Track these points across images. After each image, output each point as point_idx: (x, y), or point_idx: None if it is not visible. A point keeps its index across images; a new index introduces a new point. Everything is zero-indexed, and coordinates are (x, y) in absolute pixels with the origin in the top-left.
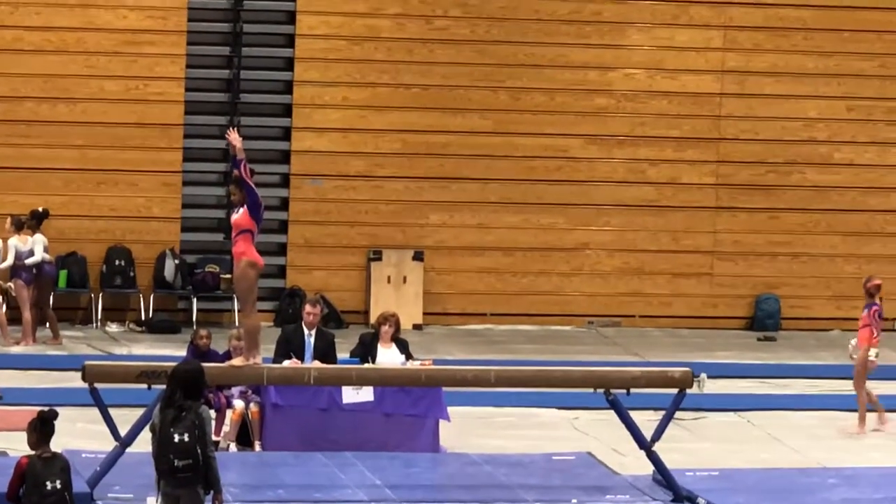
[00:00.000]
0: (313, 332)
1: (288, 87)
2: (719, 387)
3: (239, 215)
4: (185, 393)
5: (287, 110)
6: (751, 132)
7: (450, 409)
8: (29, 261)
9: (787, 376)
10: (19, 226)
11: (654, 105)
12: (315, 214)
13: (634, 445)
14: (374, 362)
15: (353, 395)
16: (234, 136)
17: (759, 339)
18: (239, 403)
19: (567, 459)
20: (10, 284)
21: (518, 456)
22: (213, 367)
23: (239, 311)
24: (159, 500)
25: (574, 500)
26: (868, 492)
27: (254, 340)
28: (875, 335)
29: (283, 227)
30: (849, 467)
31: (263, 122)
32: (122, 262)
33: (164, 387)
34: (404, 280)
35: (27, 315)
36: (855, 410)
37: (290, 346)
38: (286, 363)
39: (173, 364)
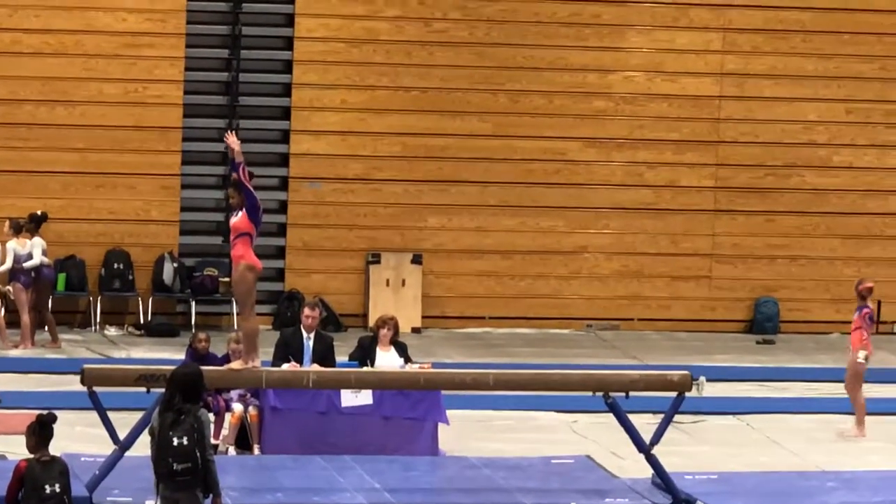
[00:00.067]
0: (312, 335)
1: (287, 90)
2: (718, 390)
3: (238, 218)
4: (183, 396)
5: (286, 113)
6: (750, 135)
7: (448, 413)
8: (27, 264)
9: (786, 379)
10: (18, 229)
11: (654, 108)
12: (314, 217)
13: (633, 449)
14: (372, 365)
15: (351, 398)
16: (232, 140)
17: (757, 343)
18: (238, 407)
19: (566, 463)
20: (9, 288)
21: (517, 459)
22: (211, 370)
23: (237, 314)
24: (158, 503)
25: None
26: (867, 495)
27: (252, 344)
28: (865, 338)
29: (281, 230)
30: (848, 471)
31: (262, 125)
32: (121, 266)
33: (162, 390)
34: (403, 283)
35: (26, 318)
36: (853, 414)
37: (288, 349)
38: (285, 366)
39: (172, 367)
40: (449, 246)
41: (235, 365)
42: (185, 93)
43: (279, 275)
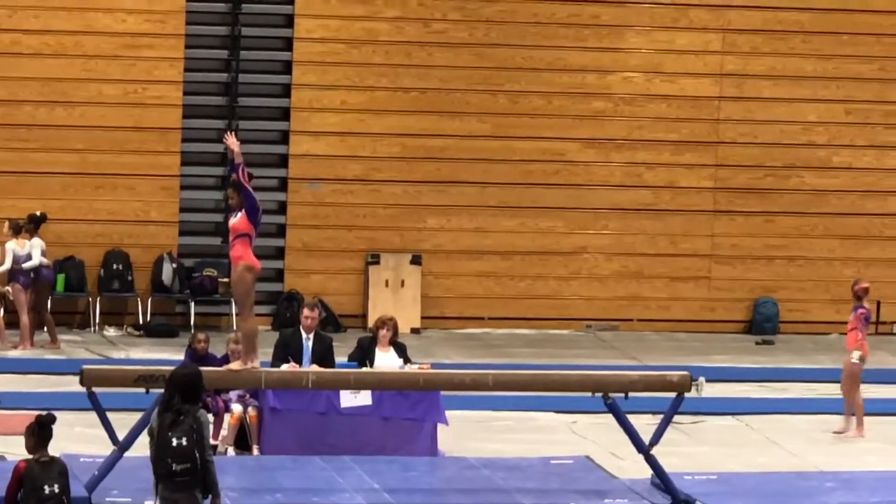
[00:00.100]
0: (311, 335)
1: (286, 91)
2: (717, 390)
3: (237, 219)
4: (183, 397)
5: (285, 114)
6: (749, 135)
7: (448, 413)
8: (27, 265)
9: (785, 380)
10: (17, 230)
11: (653, 108)
12: (313, 218)
13: (632, 449)
14: (372, 366)
15: (351, 398)
16: (231, 140)
17: (757, 343)
18: (237, 407)
19: (565, 463)
20: (8, 288)
21: (516, 460)
22: (211, 370)
23: (237, 314)
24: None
25: None
26: (865, 495)
27: (252, 344)
28: (861, 338)
29: (280, 230)
30: (846, 471)
31: (261, 125)
32: (120, 266)
33: (161, 391)
34: (402, 284)
35: (25, 319)
36: (852, 414)
37: (287, 349)
38: (284, 367)
39: (171, 368)
40: (448, 246)
41: (234, 365)
42: (185, 94)
43: (278, 275)
